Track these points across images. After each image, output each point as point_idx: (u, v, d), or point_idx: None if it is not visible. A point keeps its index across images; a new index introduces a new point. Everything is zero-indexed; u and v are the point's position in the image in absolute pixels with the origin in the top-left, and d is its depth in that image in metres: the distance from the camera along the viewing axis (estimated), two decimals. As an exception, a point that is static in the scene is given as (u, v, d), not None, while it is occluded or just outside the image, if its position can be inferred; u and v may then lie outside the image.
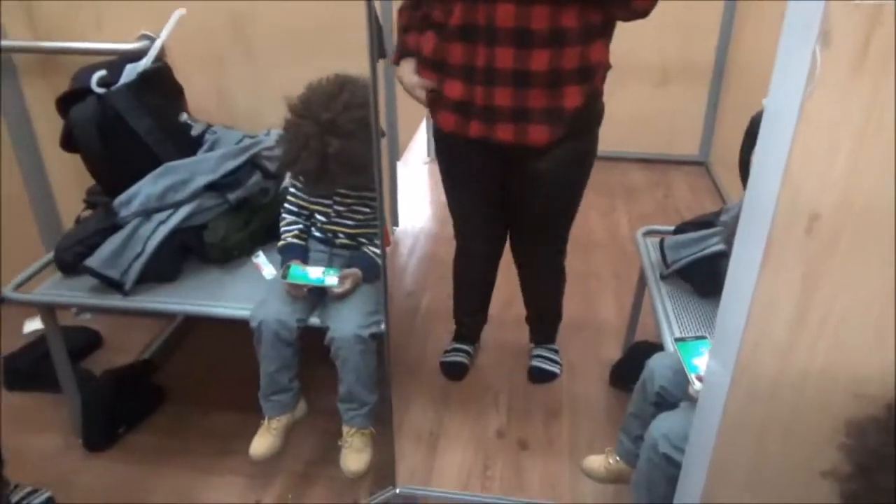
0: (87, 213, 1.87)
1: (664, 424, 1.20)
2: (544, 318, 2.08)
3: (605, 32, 1.52)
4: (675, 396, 1.28)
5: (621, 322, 2.20)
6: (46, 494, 1.63)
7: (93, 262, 1.65)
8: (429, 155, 3.56)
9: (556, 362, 2.08)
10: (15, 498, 1.59)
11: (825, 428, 0.84)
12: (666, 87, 3.44)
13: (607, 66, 1.57)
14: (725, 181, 3.20)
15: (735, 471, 0.99)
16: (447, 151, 1.74)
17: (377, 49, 1.26)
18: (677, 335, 1.46)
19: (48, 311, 1.73)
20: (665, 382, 1.30)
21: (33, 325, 2.26)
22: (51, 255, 1.78)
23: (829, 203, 0.83)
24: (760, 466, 0.99)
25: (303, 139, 1.49)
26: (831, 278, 0.87)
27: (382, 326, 1.54)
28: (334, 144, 1.48)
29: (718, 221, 1.66)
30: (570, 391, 2.03)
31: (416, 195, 3.26)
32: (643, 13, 1.45)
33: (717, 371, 0.94)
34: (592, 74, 1.52)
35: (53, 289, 1.71)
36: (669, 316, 1.55)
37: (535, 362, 2.07)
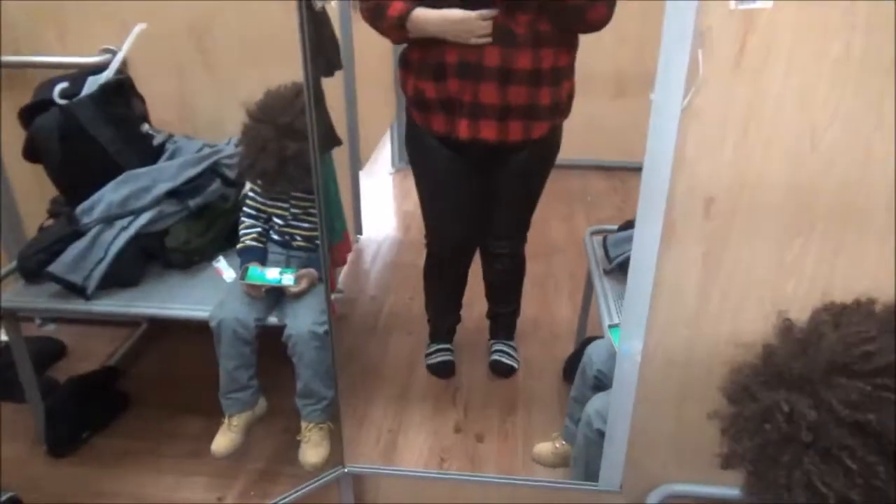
0: (51, 222, 1.91)
1: (598, 402, 1.27)
2: (505, 311, 2.15)
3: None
4: (610, 379, 1.36)
5: (575, 319, 2.28)
6: (9, 494, 1.66)
7: (55, 267, 1.69)
8: (393, 165, 3.63)
9: (514, 357, 2.15)
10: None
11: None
12: (623, 97, 3.56)
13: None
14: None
15: (656, 436, 1.07)
16: (426, 155, 1.78)
17: (320, 56, 1.33)
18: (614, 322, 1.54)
19: (11, 318, 1.77)
20: (601, 366, 1.38)
21: (-3, 336, 2.27)
22: (13, 264, 1.81)
23: (723, 187, 0.93)
24: (680, 430, 1.07)
25: (261, 142, 1.57)
26: (730, 254, 0.96)
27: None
28: (291, 147, 1.56)
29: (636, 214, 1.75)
30: (525, 387, 2.10)
31: (381, 204, 3.33)
32: (598, 26, 1.56)
33: (629, 345, 1.02)
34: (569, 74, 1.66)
35: (16, 296, 1.75)
36: (610, 306, 1.63)
37: (496, 356, 2.14)
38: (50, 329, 2.35)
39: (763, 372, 0.72)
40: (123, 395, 2.06)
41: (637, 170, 3.37)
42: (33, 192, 2.08)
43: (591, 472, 1.27)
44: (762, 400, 0.69)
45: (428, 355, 2.17)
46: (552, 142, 1.78)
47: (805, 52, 0.85)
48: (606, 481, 1.12)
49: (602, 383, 1.38)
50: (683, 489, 1.10)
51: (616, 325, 1.36)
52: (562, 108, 1.70)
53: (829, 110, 0.88)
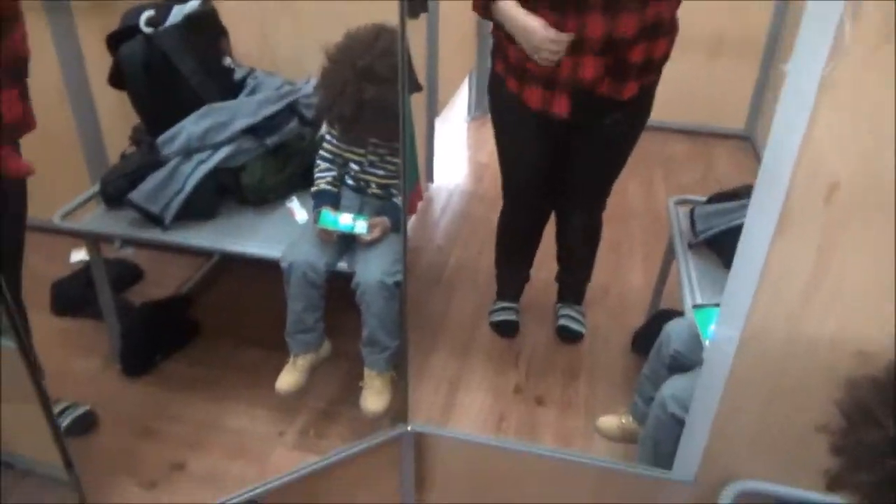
0: (132, 149, 1.94)
1: (675, 385, 1.22)
2: (576, 277, 2.09)
3: None
4: (688, 360, 1.29)
5: (648, 289, 2.19)
6: (84, 408, 1.75)
7: (135, 195, 1.72)
8: (470, 114, 3.55)
9: (582, 323, 2.09)
10: (55, 410, 1.70)
11: (833, 391, 0.85)
12: (714, 57, 3.34)
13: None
14: (770, 157, 3.11)
15: (739, 430, 1.01)
16: (506, 108, 1.71)
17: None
18: (698, 302, 1.46)
19: (92, 240, 1.82)
20: (680, 346, 1.31)
21: (79, 255, 2.36)
22: (96, 187, 1.85)
23: (850, 172, 0.83)
24: (766, 427, 1.00)
25: (339, 85, 1.53)
26: (846, 247, 0.86)
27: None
28: (369, 91, 1.50)
29: (751, 193, 1.63)
30: (591, 354, 2.05)
31: (455, 153, 3.27)
32: None
33: (725, 333, 0.95)
34: (673, 28, 1.56)
35: (98, 220, 1.79)
36: (693, 284, 1.55)
37: (563, 321, 2.09)
38: (128, 252, 2.43)
39: (891, 394, 0.64)
40: (194, 323, 2.12)
41: (722, 136, 3.18)
42: (117, 118, 2.11)
43: (660, 455, 1.22)
44: (888, 429, 0.61)
45: (492, 312, 2.13)
46: (643, 107, 1.67)
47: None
48: (680, 471, 1.08)
49: (679, 364, 1.32)
50: (760, 487, 1.04)
51: (701, 307, 1.29)
52: (654, 66, 1.59)
53: None
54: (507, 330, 2.09)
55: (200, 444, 1.75)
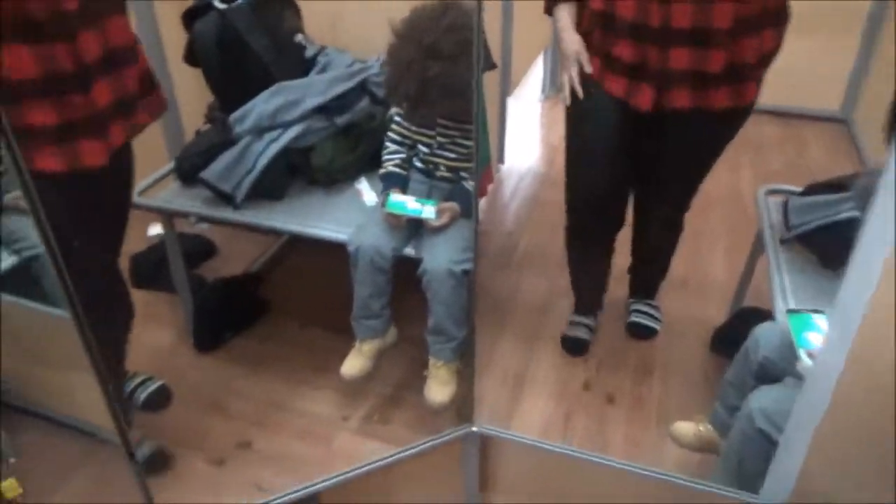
0: (207, 126, 1.95)
1: (764, 397, 1.12)
2: (651, 272, 1.97)
3: None
4: (778, 369, 1.19)
5: (730, 285, 2.06)
6: (159, 383, 1.78)
7: (208, 174, 1.73)
8: (543, 92, 3.43)
9: (656, 319, 1.98)
10: (130, 385, 1.74)
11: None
12: (808, 32, 3.08)
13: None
14: (869, 143, 2.87)
15: (840, 453, 0.91)
16: (587, 108, 1.56)
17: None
18: (792, 306, 1.34)
19: (166, 217, 1.84)
20: (770, 353, 1.21)
21: (156, 229, 2.41)
22: (171, 164, 1.87)
23: None
24: (871, 451, 0.90)
25: (404, 62, 1.48)
26: None
27: (474, 264, 1.52)
28: (434, 69, 1.45)
29: (854, 185, 1.49)
30: (666, 351, 1.95)
31: (527, 134, 3.17)
32: None
33: (834, 345, 0.85)
34: (782, 17, 1.47)
35: (173, 196, 1.82)
36: (785, 284, 1.43)
37: (635, 317, 1.98)
38: (203, 228, 2.47)
39: None
40: (264, 301, 2.14)
41: (816, 119, 2.94)
42: (194, 95, 2.13)
43: (744, 473, 1.13)
44: None
45: (568, 325, 1.98)
46: (752, 99, 1.54)
47: None
48: (770, 495, 0.99)
49: (767, 372, 1.22)
50: (860, 517, 0.94)
51: (796, 311, 1.18)
52: (767, 60, 1.49)
53: None
54: (574, 348, 1.94)
55: (267, 423, 1.76)
